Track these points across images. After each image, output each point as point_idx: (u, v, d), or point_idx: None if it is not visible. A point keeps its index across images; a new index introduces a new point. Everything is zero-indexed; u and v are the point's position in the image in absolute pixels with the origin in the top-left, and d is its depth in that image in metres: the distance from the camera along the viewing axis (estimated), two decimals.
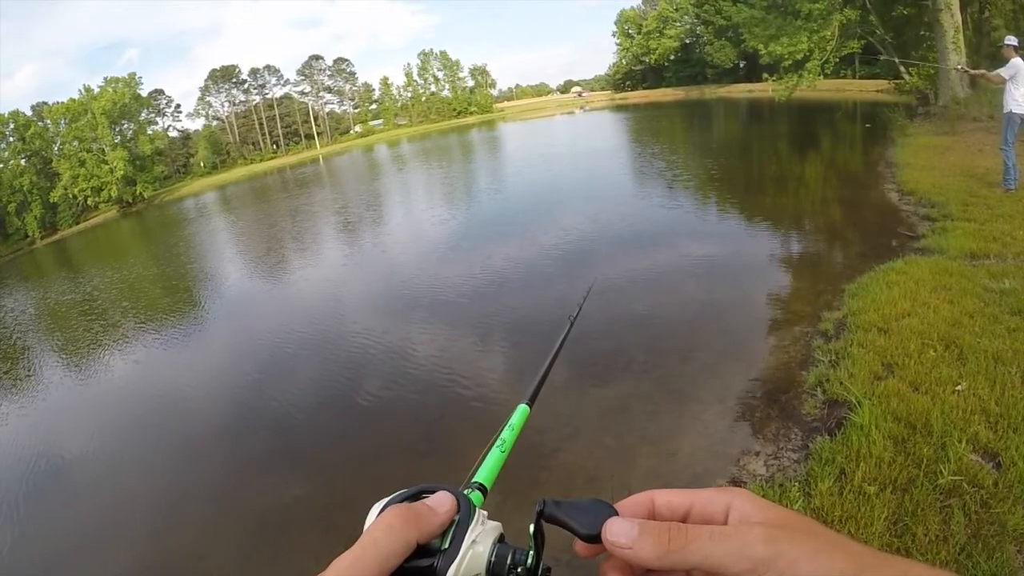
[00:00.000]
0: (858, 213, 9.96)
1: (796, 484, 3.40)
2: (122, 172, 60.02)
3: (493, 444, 0.80)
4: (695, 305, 7.31)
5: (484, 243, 12.67)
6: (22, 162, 59.53)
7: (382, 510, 0.52)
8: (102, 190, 60.61)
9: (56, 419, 8.60)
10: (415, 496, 0.54)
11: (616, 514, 0.50)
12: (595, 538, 0.48)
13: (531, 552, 0.53)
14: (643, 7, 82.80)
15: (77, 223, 58.93)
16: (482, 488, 0.69)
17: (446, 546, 0.51)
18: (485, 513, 0.56)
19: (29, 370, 11.42)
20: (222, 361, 9.21)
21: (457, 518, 0.53)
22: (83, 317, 14.47)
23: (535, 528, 0.52)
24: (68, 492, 6.28)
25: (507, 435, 0.83)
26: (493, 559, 0.52)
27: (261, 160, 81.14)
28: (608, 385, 5.66)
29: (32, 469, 6.96)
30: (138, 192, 62.37)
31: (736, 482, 3.68)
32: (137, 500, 5.67)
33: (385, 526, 0.48)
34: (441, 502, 0.52)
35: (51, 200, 58.78)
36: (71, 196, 59.85)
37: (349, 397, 6.69)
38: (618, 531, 0.45)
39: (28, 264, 37.79)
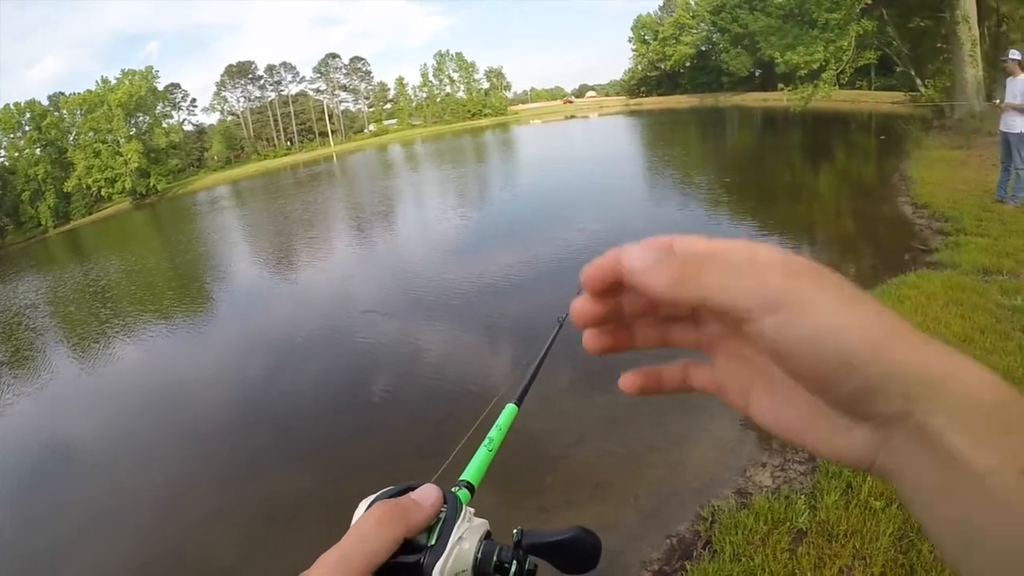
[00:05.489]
0: (871, 226, 9.89)
1: (802, 497, 3.39)
2: (136, 164, 60.61)
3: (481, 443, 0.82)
4: None
5: (489, 246, 12.65)
6: (37, 151, 60.14)
7: (369, 506, 0.52)
8: (116, 181, 61.21)
9: (63, 405, 8.65)
10: (402, 493, 0.54)
11: (599, 541, 0.54)
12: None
13: (515, 561, 0.54)
14: (660, 13, 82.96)
15: (90, 213, 59.53)
16: (469, 486, 0.71)
17: (433, 542, 0.51)
18: (472, 510, 0.57)
19: (37, 356, 11.50)
20: (230, 353, 9.26)
21: (444, 515, 0.53)
22: (92, 305, 14.61)
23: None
24: (73, 478, 6.31)
25: (495, 434, 0.85)
26: (479, 556, 0.53)
27: (275, 156, 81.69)
28: (615, 392, 5.58)
29: (38, 452, 7.04)
30: (151, 184, 62.96)
31: (743, 493, 3.67)
32: (143, 488, 5.69)
33: (372, 522, 0.48)
34: (426, 495, 0.53)
35: (65, 190, 59.37)
36: (85, 186, 60.51)
37: (357, 394, 6.71)
38: (635, 255, 0.39)
39: (41, 252, 38.15)
